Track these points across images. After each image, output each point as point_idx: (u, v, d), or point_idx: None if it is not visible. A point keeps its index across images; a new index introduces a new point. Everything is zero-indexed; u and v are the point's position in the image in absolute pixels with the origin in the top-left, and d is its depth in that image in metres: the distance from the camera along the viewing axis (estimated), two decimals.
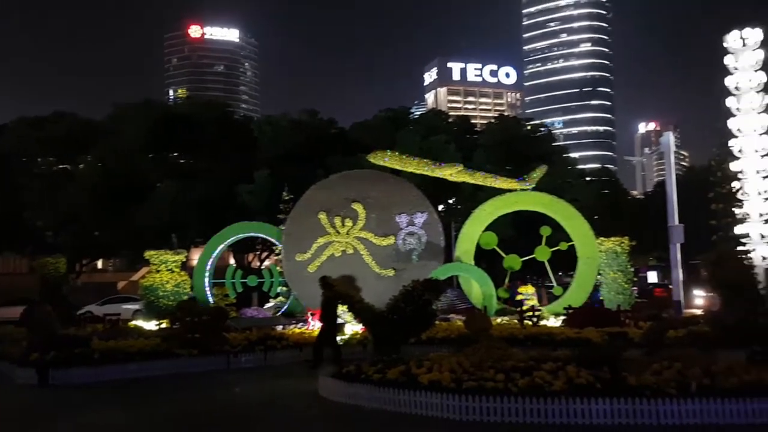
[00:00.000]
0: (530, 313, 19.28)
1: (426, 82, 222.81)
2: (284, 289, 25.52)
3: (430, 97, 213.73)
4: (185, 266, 27.33)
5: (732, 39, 25.82)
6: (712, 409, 8.86)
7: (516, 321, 19.23)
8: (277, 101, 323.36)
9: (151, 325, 20.88)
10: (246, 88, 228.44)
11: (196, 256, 28.83)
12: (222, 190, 40.04)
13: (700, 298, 30.94)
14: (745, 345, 10.70)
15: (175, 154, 46.83)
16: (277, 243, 26.08)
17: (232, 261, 44.83)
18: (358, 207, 23.89)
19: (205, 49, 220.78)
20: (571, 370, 9.54)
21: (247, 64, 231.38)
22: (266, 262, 45.32)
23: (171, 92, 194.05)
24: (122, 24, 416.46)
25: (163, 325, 17.56)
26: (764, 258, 25.51)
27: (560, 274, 40.44)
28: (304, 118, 48.43)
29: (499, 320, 19.98)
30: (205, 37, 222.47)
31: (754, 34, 25.62)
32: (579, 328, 16.98)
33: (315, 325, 18.95)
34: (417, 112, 71.41)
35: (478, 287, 23.10)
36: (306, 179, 29.80)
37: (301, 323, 20.72)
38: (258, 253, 47.23)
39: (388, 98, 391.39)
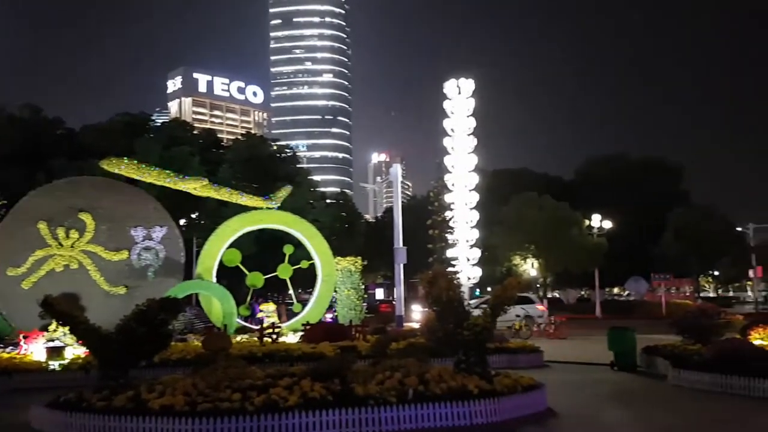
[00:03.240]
0: (270, 331, 19.56)
1: (170, 90, 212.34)
2: None
3: (173, 106, 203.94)
4: None
5: (449, 87, 29.58)
6: (425, 413, 9.96)
7: (256, 338, 19.33)
8: None
9: None
10: None
11: None
12: None
13: (417, 312, 34.58)
14: (453, 355, 12.31)
15: None
16: None
17: None
18: (86, 217, 21.78)
19: None
20: (305, 385, 9.97)
21: None
22: None
23: None
24: None
25: None
26: (469, 278, 29.53)
27: (300, 291, 41.79)
28: (24, 114, 42.71)
29: (238, 338, 19.87)
30: None
31: (468, 84, 29.68)
32: (315, 344, 17.75)
33: (28, 349, 16.75)
34: (159, 120, 67.85)
35: (218, 305, 22.68)
36: (23, 184, 26.28)
37: (10, 347, 18.05)
38: None
39: (126, 103, 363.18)
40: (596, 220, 47.83)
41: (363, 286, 27.08)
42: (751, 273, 56.30)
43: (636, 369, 16.82)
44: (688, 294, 55.20)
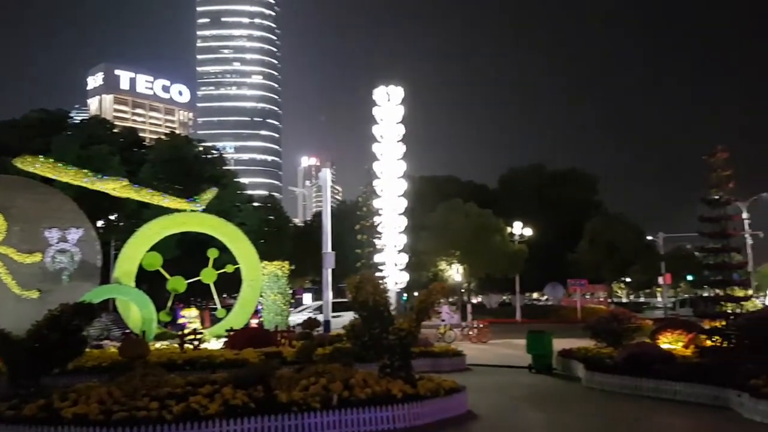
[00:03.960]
0: (191, 337, 19.08)
1: (90, 87, 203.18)
2: None
3: (93, 103, 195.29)
4: None
5: (379, 93, 29.78)
6: (349, 419, 10.02)
7: (176, 345, 18.81)
8: None
9: None
10: None
11: None
12: None
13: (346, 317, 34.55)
14: (378, 359, 12.43)
15: None
16: None
17: None
18: None
19: None
20: (227, 392, 9.82)
21: None
22: None
23: None
24: None
25: None
26: (396, 283, 29.82)
27: (225, 296, 40.95)
28: None
29: (158, 345, 19.28)
30: None
31: (397, 92, 29.98)
32: (238, 350, 17.46)
33: None
34: (77, 117, 64.98)
35: (137, 311, 21.90)
36: None
37: None
38: None
39: (42, 99, 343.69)
40: (518, 228, 49.48)
41: (290, 291, 26.84)
42: (660, 280, 59.75)
43: (552, 371, 17.52)
44: (602, 299, 57.91)
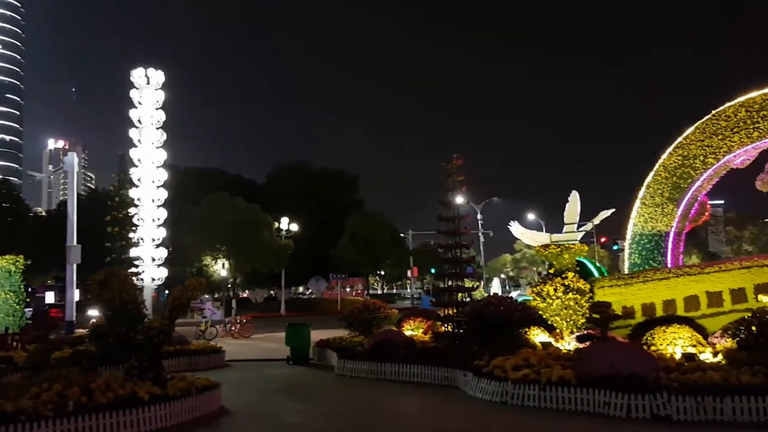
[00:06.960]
0: None
1: None
2: None
3: None
4: None
5: (137, 75, 27.75)
6: (87, 425, 9.33)
7: None
8: None
9: None
10: None
11: None
12: None
13: (94, 317, 31.82)
14: (125, 361, 11.70)
15: None
16: None
17: None
18: None
19: None
20: None
21: None
22: None
23: None
24: None
25: None
26: (154, 279, 28.18)
27: None
28: None
29: None
30: None
31: (157, 75, 28.20)
32: None
33: None
34: None
35: None
36: None
37: None
38: None
39: None
40: (284, 223, 50.15)
41: (28, 289, 23.82)
42: (409, 273, 65.46)
43: (309, 362, 18.22)
44: (359, 291, 61.50)
